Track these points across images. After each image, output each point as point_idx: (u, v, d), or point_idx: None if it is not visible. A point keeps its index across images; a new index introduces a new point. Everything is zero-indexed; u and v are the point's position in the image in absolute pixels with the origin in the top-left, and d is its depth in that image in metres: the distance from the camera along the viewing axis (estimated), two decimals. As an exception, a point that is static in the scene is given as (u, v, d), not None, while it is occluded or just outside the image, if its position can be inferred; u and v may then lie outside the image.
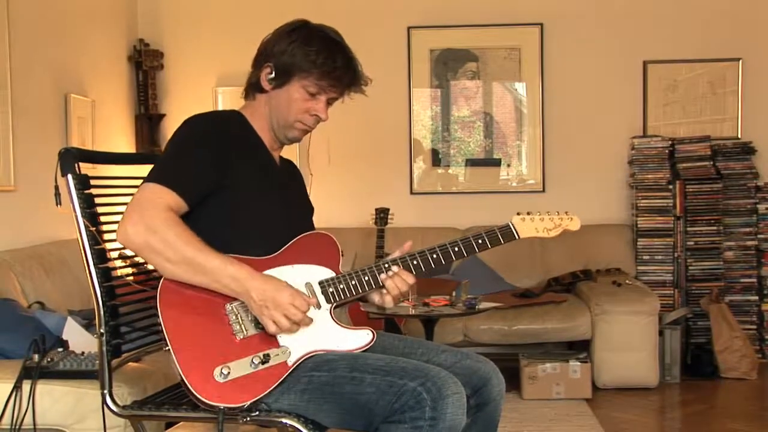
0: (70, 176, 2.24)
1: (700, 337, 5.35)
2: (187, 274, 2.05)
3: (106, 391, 2.27)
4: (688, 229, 5.50)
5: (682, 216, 5.51)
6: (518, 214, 2.27)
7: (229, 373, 2.03)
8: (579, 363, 4.66)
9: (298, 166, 2.64)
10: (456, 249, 2.23)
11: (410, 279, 2.23)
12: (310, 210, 2.56)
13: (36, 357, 2.84)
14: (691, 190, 5.49)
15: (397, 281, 2.21)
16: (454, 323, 4.85)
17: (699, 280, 5.48)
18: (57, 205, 2.28)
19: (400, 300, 2.28)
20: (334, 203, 5.78)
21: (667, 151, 5.56)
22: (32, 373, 2.80)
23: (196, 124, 2.23)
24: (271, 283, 2.07)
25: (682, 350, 5.16)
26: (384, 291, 2.24)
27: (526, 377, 4.64)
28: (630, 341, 4.80)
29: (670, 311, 5.27)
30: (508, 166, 5.96)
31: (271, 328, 2.06)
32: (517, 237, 2.26)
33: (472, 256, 5.25)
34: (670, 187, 5.53)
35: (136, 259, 2.54)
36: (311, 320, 2.12)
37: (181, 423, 2.37)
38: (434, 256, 2.23)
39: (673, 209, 5.52)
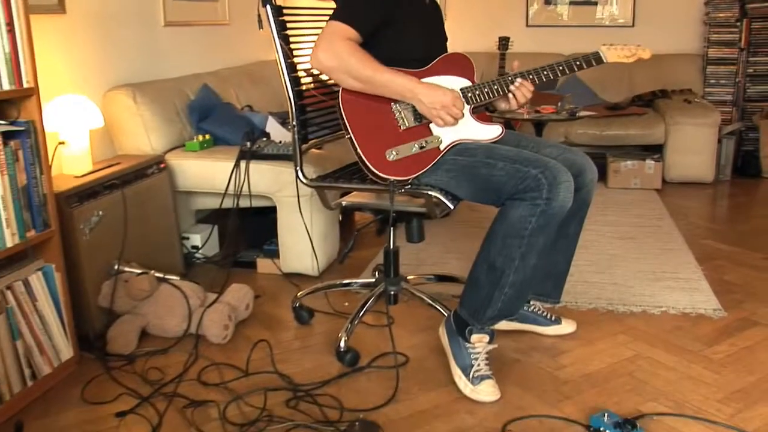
0: (268, 6, 2.17)
1: (750, 146, 4.92)
2: (367, 88, 1.98)
3: (298, 168, 2.26)
4: (750, 59, 4.93)
5: (746, 48, 4.92)
6: (603, 44, 2.14)
7: (397, 154, 1.99)
8: (653, 162, 4.40)
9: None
10: (561, 68, 2.07)
11: (532, 88, 2.10)
12: (446, 37, 2.39)
13: (248, 144, 2.84)
14: (756, 26, 4.87)
15: (523, 90, 2.08)
16: (558, 127, 4.62)
17: (754, 100, 4.97)
18: (259, 28, 2.23)
19: (521, 105, 2.14)
20: (465, 32, 5.49)
21: (739, -7, 4.90)
22: (246, 155, 2.82)
23: None
24: (437, 89, 1.99)
25: (734, 155, 4.77)
26: (510, 97, 2.11)
27: (611, 171, 4.43)
28: (694, 146, 4.46)
29: (728, 124, 4.84)
30: (603, 6, 5.41)
31: (440, 123, 2.00)
32: (605, 60, 2.10)
33: (573, 75, 5.04)
34: (738, 23, 4.91)
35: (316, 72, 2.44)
36: (464, 116, 2.04)
37: (353, 192, 2.32)
38: (545, 72, 2.09)
39: (739, 42, 4.93)
